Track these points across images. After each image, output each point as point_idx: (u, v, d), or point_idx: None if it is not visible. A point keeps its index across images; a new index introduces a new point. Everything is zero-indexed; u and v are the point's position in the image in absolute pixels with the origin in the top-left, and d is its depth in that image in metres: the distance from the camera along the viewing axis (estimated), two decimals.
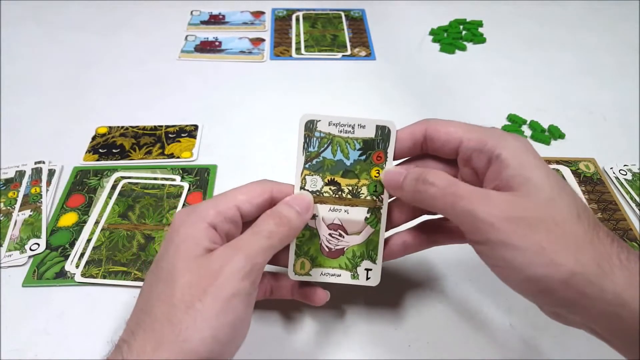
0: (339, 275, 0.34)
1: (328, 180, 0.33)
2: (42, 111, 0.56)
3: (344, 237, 0.33)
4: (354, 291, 0.38)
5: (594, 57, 0.68)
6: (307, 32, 0.71)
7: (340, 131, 0.32)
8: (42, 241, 0.42)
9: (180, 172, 0.49)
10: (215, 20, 0.73)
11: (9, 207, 0.45)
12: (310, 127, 0.32)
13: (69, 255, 0.41)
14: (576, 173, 0.50)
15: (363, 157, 0.32)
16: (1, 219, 0.44)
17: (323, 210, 0.33)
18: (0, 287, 0.39)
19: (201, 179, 0.48)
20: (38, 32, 0.70)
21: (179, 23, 0.72)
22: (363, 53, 0.67)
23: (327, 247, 0.33)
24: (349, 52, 0.67)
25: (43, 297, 0.38)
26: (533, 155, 0.28)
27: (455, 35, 0.70)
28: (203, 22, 0.73)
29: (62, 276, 0.39)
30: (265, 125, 0.55)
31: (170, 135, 0.53)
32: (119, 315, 0.37)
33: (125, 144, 0.52)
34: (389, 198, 0.33)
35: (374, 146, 0.32)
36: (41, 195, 0.46)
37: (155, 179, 0.48)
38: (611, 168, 0.50)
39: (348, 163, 0.33)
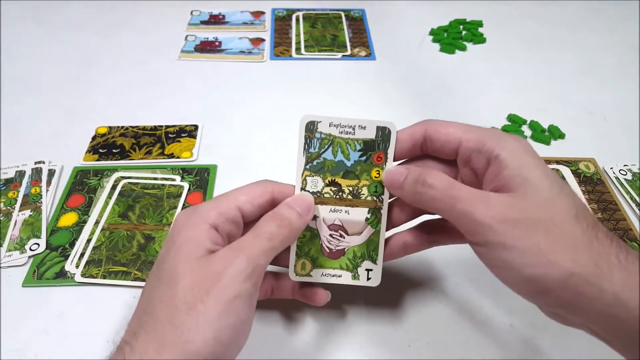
0: (340, 276, 0.34)
1: (329, 181, 0.33)
2: (42, 111, 0.56)
3: (344, 237, 0.33)
4: (354, 291, 0.38)
5: (594, 57, 0.68)
6: (307, 32, 0.71)
7: (341, 132, 0.32)
8: (42, 241, 0.42)
9: (180, 172, 0.49)
10: (215, 20, 0.73)
11: (9, 207, 0.45)
12: (310, 128, 0.32)
13: (69, 255, 0.41)
14: (576, 173, 0.50)
15: (363, 158, 0.32)
16: (1, 219, 0.44)
17: (324, 211, 0.33)
18: (0, 287, 0.39)
19: (201, 179, 0.48)
20: (38, 32, 0.70)
21: (179, 23, 0.72)
22: (363, 53, 0.67)
23: (327, 247, 0.33)
24: (349, 52, 0.67)
25: (43, 297, 0.38)
26: (532, 156, 0.28)
27: (455, 35, 0.70)
28: (203, 22, 0.73)
29: (62, 276, 0.39)
30: (265, 125, 0.55)
31: (170, 135, 0.53)
32: (119, 315, 0.37)
33: (125, 144, 0.52)
34: (390, 198, 0.33)
35: (375, 147, 0.32)
36: (41, 195, 0.46)
37: (155, 179, 0.48)
38: (611, 168, 0.50)
39: (349, 164, 0.33)
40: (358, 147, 0.32)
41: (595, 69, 0.65)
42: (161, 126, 0.54)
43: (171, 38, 0.69)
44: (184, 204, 0.45)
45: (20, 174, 0.48)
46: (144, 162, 0.50)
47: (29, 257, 0.41)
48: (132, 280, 0.39)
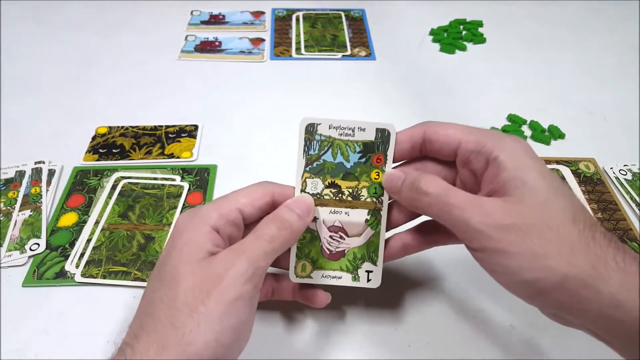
0: (340, 278, 0.34)
1: (328, 182, 0.33)
2: (42, 111, 0.56)
3: (344, 239, 0.33)
4: (355, 292, 0.38)
5: (594, 57, 0.68)
6: (307, 32, 0.71)
7: (341, 134, 0.32)
8: (42, 241, 0.42)
9: (180, 172, 0.49)
10: (215, 20, 0.73)
11: (9, 207, 0.45)
12: (310, 130, 0.32)
13: (69, 255, 0.41)
14: (576, 173, 0.50)
15: (363, 160, 0.32)
16: (1, 219, 0.44)
17: (324, 213, 0.33)
18: (0, 287, 0.39)
19: (201, 179, 0.48)
20: (38, 32, 0.70)
21: (179, 23, 0.72)
22: (363, 53, 0.67)
23: (327, 249, 0.33)
24: (349, 52, 0.67)
25: (43, 297, 0.38)
26: (531, 157, 0.28)
27: (455, 35, 0.70)
28: (203, 22, 0.73)
29: (62, 276, 0.39)
30: (265, 125, 0.55)
31: (170, 135, 0.53)
32: (119, 315, 0.37)
33: (125, 144, 0.52)
34: (389, 200, 0.33)
35: (374, 149, 0.32)
36: (41, 195, 0.46)
37: (155, 179, 0.48)
38: (611, 168, 0.50)
39: (348, 165, 0.33)
40: (358, 149, 0.32)
41: (595, 69, 0.65)
42: (161, 126, 0.54)
43: (171, 38, 0.69)
44: (184, 204, 0.45)
45: (20, 174, 0.48)
46: (144, 162, 0.50)
47: (29, 257, 0.41)
48: (132, 280, 0.39)
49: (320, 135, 0.32)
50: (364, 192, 0.33)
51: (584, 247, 0.25)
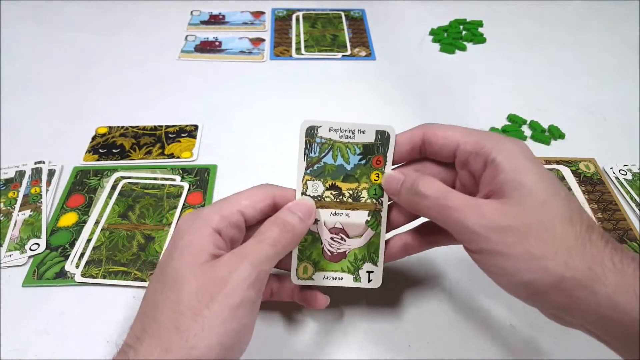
0: (342, 279, 0.34)
1: (329, 185, 0.33)
2: (42, 111, 0.56)
3: (345, 240, 0.34)
4: (355, 291, 0.38)
5: (594, 57, 0.68)
6: (307, 32, 0.71)
7: (341, 136, 0.32)
8: (42, 241, 0.42)
9: (180, 172, 0.49)
10: (215, 20, 0.73)
11: (9, 207, 0.45)
12: (311, 133, 0.32)
13: (69, 255, 0.41)
14: (576, 173, 0.50)
15: (363, 162, 0.33)
16: (1, 219, 0.44)
17: (324, 215, 0.33)
18: (0, 287, 0.39)
19: (201, 179, 0.48)
20: (38, 32, 0.70)
21: (179, 23, 0.72)
22: (363, 53, 0.67)
23: (329, 251, 0.34)
24: (349, 52, 0.67)
25: (43, 297, 0.38)
26: (528, 159, 0.28)
27: (455, 35, 0.70)
28: (203, 22, 0.73)
29: (62, 276, 0.39)
30: (265, 125, 0.55)
31: (170, 135, 0.53)
32: (119, 315, 0.37)
33: (125, 144, 0.52)
34: (389, 201, 0.33)
35: (374, 150, 0.32)
36: (41, 195, 0.46)
37: (155, 179, 0.48)
38: (611, 168, 0.50)
39: (348, 167, 0.33)
40: (358, 151, 0.33)
41: (595, 69, 0.65)
42: (161, 126, 0.54)
43: (171, 38, 0.69)
44: (184, 204, 0.45)
45: (20, 174, 0.48)
46: (144, 162, 0.50)
47: (29, 257, 0.41)
48: (132, 280, 0.39)
49: (321, 137, 0.32)
50: (364, 194, 0.33)
51: (581, 248, 0.26)
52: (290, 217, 0.30)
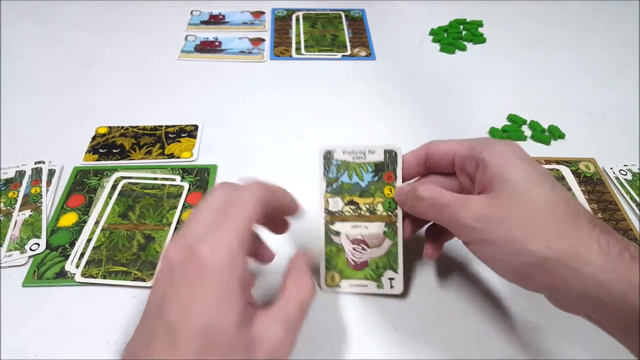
0: (366, 286, 0.37)
1: (347, 200, 0.37)
2: (42, 111, 0.56)
3: (366, 250, 0.37)
4: (358, 299, 0.38)
5: (594, 57, 0.68)
6: (307, 32, 0.71)
7: (354, 158, 0.37)
8: (42, 241, 0.42)
9: (180, 172, 0.49)
10: (215, 20, 0.73)
11: (9, 207, 0.45)
12: (327, 156, 0.37)
13: (69, 255, 0.41)
14: (576, 173, 0.50)
15: (376, 178, 0.37)
16: (1, 219, 0.44)
17: (346, 228, 0.37)
18: (0, 287, 0.39)
19: (201, 179, 0.48)
20: (38, 32, 0.70)
21: (179, 23, 0.72)
22: (363, 53, 0.67)
23: (352, 260, 0.37)
24: (349, 52, 0.67)
25: (43, 297, 0.38)
26: (517, 157, 0.31)
27: (455, 35, 0.70)
28: (203, 22, 0.73)
29: (62, 276, 0.39)
30: (265, 125, 0.55)
31: (170, 135, 0.53)
32: (119, 315, 0.37)
33: (125, 144, 0.52)
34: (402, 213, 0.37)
35: (384, 167, 0.37)
36: (41, 195, 0.46)
37: (155, 179, 0.48)
38: (611, 168, 0.50)
39: (363, 185, 0.37)
40: (370, 169, 0.37)
41: (595, 69, 0.65)
42: (161, 126, 0.54)
43: (171, 38, 0.69)
44: (184, 204, 0.45)
45: (20, 174, 0.48)
46: (144, 162, 0.50)
47: (29, 257, 0.41)
48: (132, 280, 0.39)
49: (337, 160, 0.37)
50: (380, 207, 0.37)
51: (564, 232, 0.27)
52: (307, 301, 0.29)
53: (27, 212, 0.44)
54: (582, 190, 0.48)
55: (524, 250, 0.28)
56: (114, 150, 0.51)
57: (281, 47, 0.68)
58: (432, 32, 0.72)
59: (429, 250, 0.36)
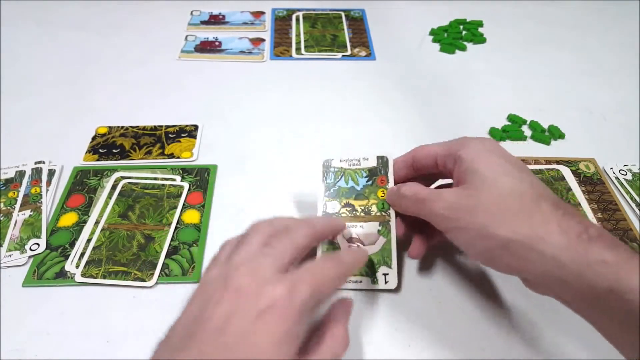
0: (361, 282, 0.38)
1: (344, 203, 0.40)
2: (42, 111, 0.56)
3: (361, 247, 0.38)
4: (352, 294, 0.38)
5: (594, 57, 0.68)
6: (307, 32, 0.71)
7: (350, 165, 0.41)
8: (42, 241, 0.42)
9: (181, 172, 0.49)
10: (215, 20, 0.73)
11: (9, 207, 0.45)
12: (326, 165, 0.42)
13: (69, 255, 0.41)
14: (576, 173, 0.50)
15: (370, 182, 0.40)
16: (1, 219, 0.44)
17: None
18: (0, 287, 0.39)
19: (201, 179, 0.48)
20: (38, 32, 0.70)
21: (179, 23, 0.72)
22: (363, 53, 0.67)
23: None
24: (349, 52, 0.67)
25: (43, 297, 0.38)
26: (489, 152, 0.34)
27: (455, 35, 0.70)
28: (203, 22, 0.73)
29: (62, 276, 0.39)
30: (266, 125, 0.55)
31: (170, 135, 0.53)
32: (119, 315, 0.37)
33: (125, 144, 0.52)
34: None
35: (377, 172, 0.41)
36: (41, 195, 0.46)
37: (155, 179, 0.48)
38: (611, 168, 0.50)
39: (358, 188, 0.40)
40: (364, 174, 0.41)
41: (595, 69, 0.65)
42: (161, 126, 0.54)
43: (171, 38, 0.69)
44: (184, 204, 0.45)
45: (20, 174, 0.48)
46: (144, 162, 0.50)
47: (29, 257, 0.41)
48: (132, 280, 0.39)
49: (334, 167, 0.42)
50: (374, 208, 0.39)
51: (527, 215, 0.30)
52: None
53: (27, 212, 0.44)
54: (582, 190, 0.48)
55: (491, 234, 0.30)
56: (114, 150, 0.51)
57: (281, 47, 0.68)
58: (432, 32, 0.72)
59: (414, 249, 0.38)
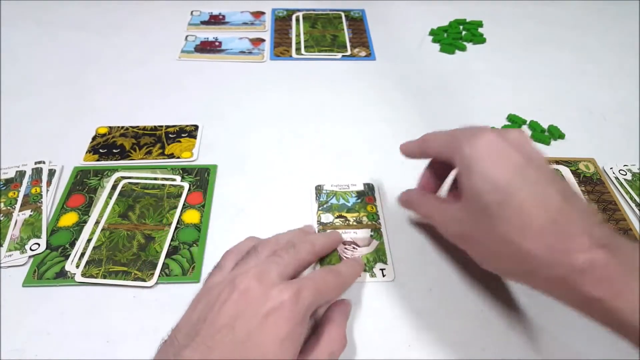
0: (359, 276, 0.39)
1: (337, 215, 0.44)
2: (42, 111, 0.56)
3: (357, 249, 0.41)
4: (354, 291, 0.38)
5: (594, 57, 0.68)
6: (307, 32, 0.71)
7: (340, 188, 0.46)
8: (43, 241, 0.42)
9: (181, 172, 0.49)
10: (215, 20, 0.73)
11: (9, 207, 0.45)
12: (319, 188, 0.46)
13: (69, 255, 0.41)
14: (576, 173, 0.50)
15: (359, 200, 0.45)
16: (1, 219, 0.44)
17: None
18: (1, 287, 0.39)
19: (201, 179, 0.48)
20: (38, 32, 0.70)
21: (179, 23, 0.72)
22: (363, 53, 0.67)
23: (344, 257, 0.40)
24: (349, 52, 0.67)
25: (43, 297, 0.38)
26: (498, 150, 0.31)
27: (455, 36, 0.70)
28: (203, 22, 0.73)
29: (62, 276, 0.39)
30: (266, 125, 0.55)
31: (170, 135, 0.53)
32: (119, 315, 0.37)
33: (126, 144, 0.52)
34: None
35: (365, 194, 0.46)
36: (41, 195, 0.46)
37: (155, 179, 0.48)
38: (611, 168, 0.50)
39: (349, 204, 0.45)
40: (354, 195, 0.46)
41: (595, 69, 0.65)
42: (161, 126, 0.54)
43: (171, 38, 0.69)
44: (184, 204, 0.45)
45: (21, 174, 0.48)
46: (144, 162, 0.50)
47: (29, 257, 0.41)
48: (132, 280, 0.39)
49: (326, 190, 0.46)
50: (365, 219, 0.44)
51: (551, 231, 0.29)
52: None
53: (27, 212, 0.44)
54: (582, 190, 0.48)
55: (508, 255, 0.30)
56: (114, 150, 0.51)
57: (281, 47, 0.68)
58: (432, 32, 0.72)
59: (425, 181, 0.40)
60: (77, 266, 0.40)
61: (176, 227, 0.43)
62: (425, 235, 0.43)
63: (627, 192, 0.48)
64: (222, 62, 0.65)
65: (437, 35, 0.71)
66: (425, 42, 0.70)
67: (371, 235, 0.42)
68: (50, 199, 0.46)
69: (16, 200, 0.45)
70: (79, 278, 0.39)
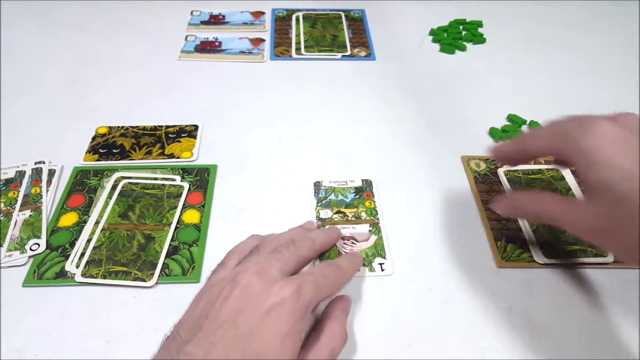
0: (359, 270, 0.39)
1: (336, 211, 0.44)
2: (42, 111, 0.56)
3: (355, 244, 0.42)
4: (354, 291, 0.38)
5: (594, 57, 0.68)
6: (307, 32, 0.71)
7: (338, 185, 0.47)
8: (42, 241, 0.42)
9: (181, 172, 0.49)
10: (215, 20, 0.73)
11: (9, 207, 0.45)
12: (317, 184, 0.47)
13: (69, 255, 0.41)
14: (576, 173, 0.50)
15: (357, 196, 0.46)
16: (1, 219, 0.44)
17: None
18: (0, 287, 0.39)
19: (201, 179, 0.48)
20: (38, 32, 0.70)
21: (179, 23, 0.72)
22: (363, 53, 0.67)
23: (343, 252, 0.41)
24: (348, 52, 0.67)
25: (43, 297, 0.38)
26: (624, 139, 0.29)
27: (455, 36, 0.70)
28: (203, 22, 0.73)
29: (62, 276, 0.39)
30: (265, 125, 0.55)
31: (170, 135, 0.53)
32: (119, 315, 0.37)
33: (126, 144, 0.52)
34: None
35: (363, 190, 0.46)
36: (41, 195, 0.46)
37: (155, 179, 0.48)
38: None
39: (348, 200, 0.45)
40: (352, 192, 0.46)
41: (595, 69, 0.65)
42: (161, 126, 0.54)
43: (171, 38, 0.69)
44: (184, 204, 0.45)
45: (21, 174, 0.48)
46: (144, 162, 0.50)
47: (29, 257, 0.41)
48: (132, 280, 0.39)
49: (324, 186, 0.46)
50: (363, 214, 0.44)
51: None
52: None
53: (27, 212, 0.44)
54: (581, 190, 0.48)
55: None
56: (114, 151, 0.51)
57: (281, 47, 0.68)
58: (432, 32, 0.72)
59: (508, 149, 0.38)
60: (77, 266, 0.40)
61: (176, 227, 0.43)
62: (423, 230, 0.43)
63: None
64: (222, 62, 0.65)
65: (437, 35, 0.71)
66: (425, 42, 0.70)
67: (370, 231, 0.42)
68: (50, 199, 0.46)
69: (16, 200, 0.45)
70: (79, 278, 0.39)
